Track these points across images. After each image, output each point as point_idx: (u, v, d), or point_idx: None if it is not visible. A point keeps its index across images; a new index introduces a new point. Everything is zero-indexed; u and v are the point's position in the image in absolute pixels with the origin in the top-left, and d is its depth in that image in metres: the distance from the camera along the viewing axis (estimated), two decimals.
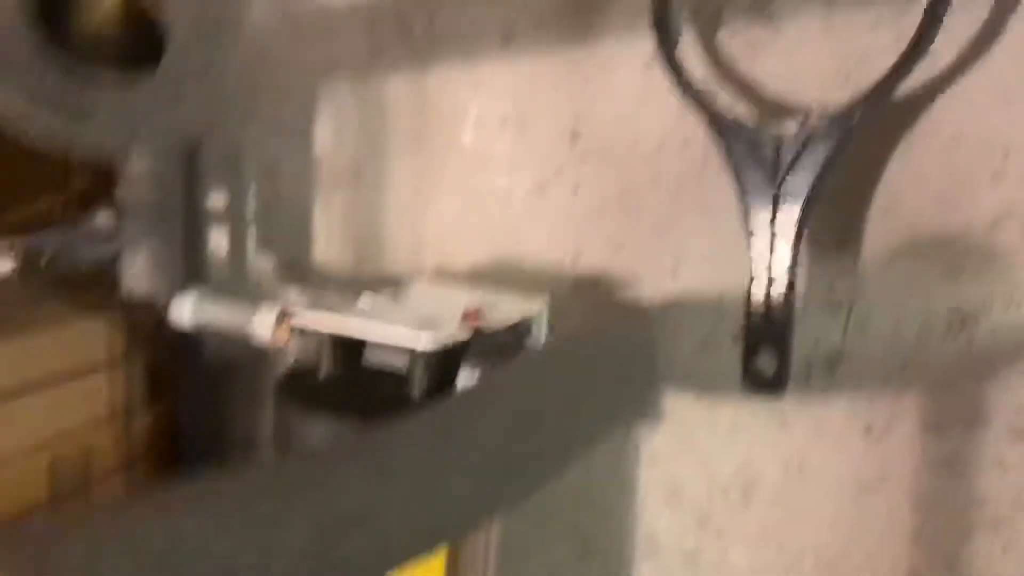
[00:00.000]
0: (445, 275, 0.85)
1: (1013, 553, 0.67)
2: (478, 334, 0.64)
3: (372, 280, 0.80)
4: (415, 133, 0.84)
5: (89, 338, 0.82)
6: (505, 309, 0.68)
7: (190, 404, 0.91)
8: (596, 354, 0.62)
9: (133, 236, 0.77)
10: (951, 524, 0.69)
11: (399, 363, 0.62)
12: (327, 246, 0.92)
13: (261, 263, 0.96)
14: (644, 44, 0.70)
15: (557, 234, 0.79)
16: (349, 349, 0.65)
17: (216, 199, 0.97)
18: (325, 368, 0.65)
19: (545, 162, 0.79)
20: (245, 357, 0.82)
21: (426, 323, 0.61)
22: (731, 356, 0.73)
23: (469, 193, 0.83)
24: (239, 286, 0.96)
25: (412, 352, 0.61)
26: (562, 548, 0.84)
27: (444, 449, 0.42)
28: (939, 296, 0.66)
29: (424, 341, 0.60)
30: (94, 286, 0.98)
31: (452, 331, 0.62)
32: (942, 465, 0.68)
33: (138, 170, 0.77)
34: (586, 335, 0.65)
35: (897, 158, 0.65)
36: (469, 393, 0.55)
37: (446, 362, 0.61)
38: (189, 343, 0.87)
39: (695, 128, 0.69)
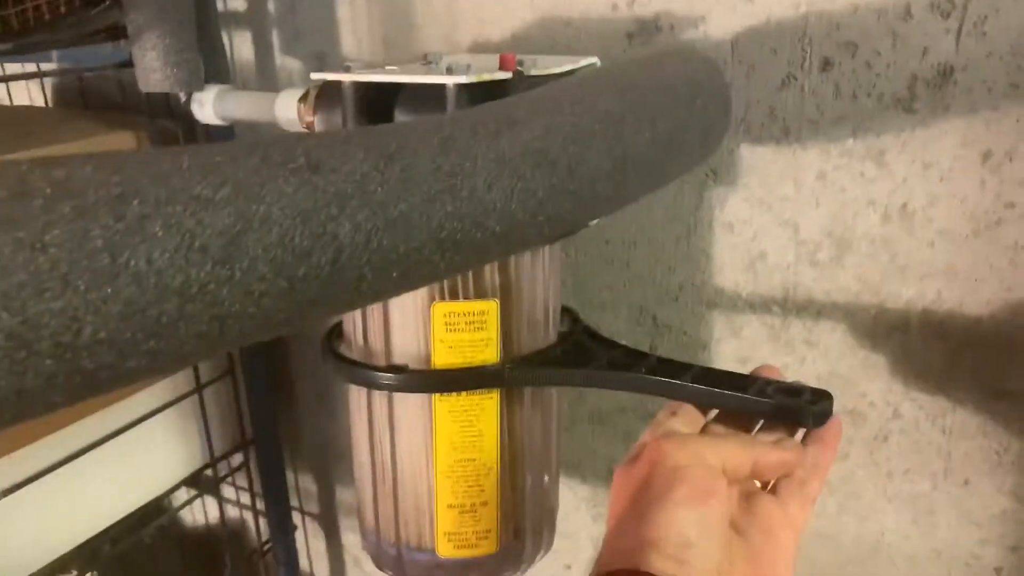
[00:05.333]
0: (486, 49, 0.76)
1: None
2: (519, 75, 0.56)
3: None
4: None
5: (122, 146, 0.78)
6: (550, 64, 0.59)
7: None
8: (655, 72, 0.53)
9: (140, 28, 0.70)
10: None
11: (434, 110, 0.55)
12: (355, 37, 0.83)
13: (288, 63, 0.89)
14: None
15: None
16: (377, 109, 0.58)
17: (234, 1, 0.90)
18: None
19: None
20: None
21: (458, 70, 0.54)
22: (821, 88, 0.63)
23: None
24: (269, 88, 0.90)
25: (445, 88, 0.54)
26: (633, 331, 0.78)
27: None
28: None
29: (455, 80, 0.53)
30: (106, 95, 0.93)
31: (487, 72, 0.54)
32: None
33: None
34: (642, 57, 0.56)
35: None
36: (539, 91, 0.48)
37: (486, 100, 0.54)
38: (221, 138, 0.82)
39: None
